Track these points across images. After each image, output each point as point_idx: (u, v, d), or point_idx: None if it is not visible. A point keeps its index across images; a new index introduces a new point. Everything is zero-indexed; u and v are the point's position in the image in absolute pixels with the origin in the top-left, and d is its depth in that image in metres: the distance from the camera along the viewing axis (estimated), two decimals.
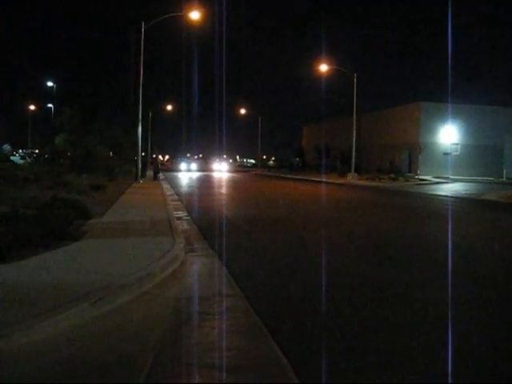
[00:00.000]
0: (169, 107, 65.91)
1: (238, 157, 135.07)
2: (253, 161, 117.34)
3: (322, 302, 5.82)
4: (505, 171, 43.47)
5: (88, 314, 4.96)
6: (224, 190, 28.24)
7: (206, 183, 36.02)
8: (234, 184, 35.89)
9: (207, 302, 5.75)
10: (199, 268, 7.58)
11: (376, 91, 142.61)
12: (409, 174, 42.47)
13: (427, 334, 4.86)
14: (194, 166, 71.46)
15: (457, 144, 46.52)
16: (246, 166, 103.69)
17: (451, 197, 24.33)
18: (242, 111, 74.30)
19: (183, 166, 70.63)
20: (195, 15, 28.81)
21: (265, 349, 4.39)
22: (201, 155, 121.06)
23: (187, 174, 54.34)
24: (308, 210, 17.79)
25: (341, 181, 38.02)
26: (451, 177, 41.05)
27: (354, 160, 41.29)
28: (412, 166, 46.60)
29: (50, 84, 51.78)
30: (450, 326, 5.04)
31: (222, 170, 65.51)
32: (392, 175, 39.93)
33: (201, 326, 4.98)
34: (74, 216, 10.73)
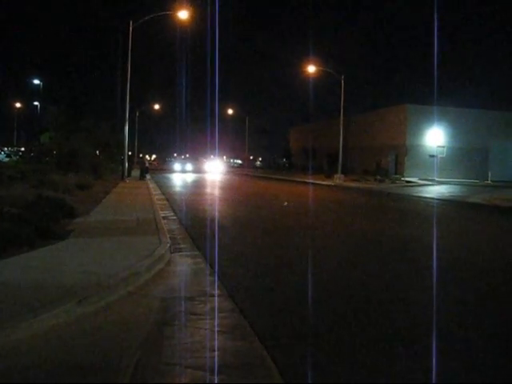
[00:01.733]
0: (156, 106, 65.68)
1: (224, 157, 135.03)
2: (239, 161, 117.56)
3: (307, 302, 5.85)
4: (490, 174, 43.94)
5: (72, 314, 4.92)
6: (210, 190, 28.16)
7: (192, 183, 35.92)
8: (220, 184, 35.80)
9: (193, 302, 5.75)
10: (185, 268, 7.57)
11: (363, 93, 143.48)
12: (395, 176, 42.79)
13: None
14: (189, 166, 62.35)
15: (443, 146, 46.85)
16: (233, 167, 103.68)
17: (437, 199, 24.53)
18: (230, 111, 74.23)
19: (177, 166, 62.66)
20: (183, 14, 28.74)
21: (250, 349, 4.41)
22: (187, 155, 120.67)
23: (174, 174, 52.67)
24: (295, 211, 17.84)
25: (327, 182, 38.14)
26: (437, 179, 41.40)
27: (340, 161, 41.49)
28: (398, 168, 46.95)
29: (36, 82, 51.44)
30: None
31: (214, 171, 57.80)
32: (378, 177, 40.21)
33: (186, 326, 4.97)
34: (60, 215, 10.66)
